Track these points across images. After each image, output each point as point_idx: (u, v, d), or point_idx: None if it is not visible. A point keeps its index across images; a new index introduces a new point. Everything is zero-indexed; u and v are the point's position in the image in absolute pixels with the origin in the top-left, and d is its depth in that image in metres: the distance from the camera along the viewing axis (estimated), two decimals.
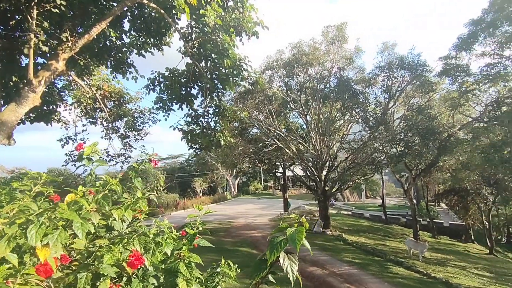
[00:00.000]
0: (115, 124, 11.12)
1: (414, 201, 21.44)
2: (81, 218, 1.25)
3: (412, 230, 20.10)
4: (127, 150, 11.29)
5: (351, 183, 21.36)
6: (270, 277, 1.08)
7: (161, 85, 8.66)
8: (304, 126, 20.86)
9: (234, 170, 34.06)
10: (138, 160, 2.51)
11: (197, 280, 1.24)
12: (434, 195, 28.43)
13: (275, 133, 19.41)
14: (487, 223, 20.39)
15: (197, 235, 2.02)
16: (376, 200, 40.93)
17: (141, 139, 11.98)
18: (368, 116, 16.46)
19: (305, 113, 19.11)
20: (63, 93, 9.35)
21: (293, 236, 0.98)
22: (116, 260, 1.57)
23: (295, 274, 0.97)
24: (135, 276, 1.63)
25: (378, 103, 17.05)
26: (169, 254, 1.69)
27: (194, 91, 8.94)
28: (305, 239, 1.03)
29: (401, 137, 16.18)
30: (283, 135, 19.47)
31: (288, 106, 19.18)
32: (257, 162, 22.06)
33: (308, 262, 12.54)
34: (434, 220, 24.11)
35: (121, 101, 10.92)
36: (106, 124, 11.31)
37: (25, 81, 6.28)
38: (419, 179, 22.34)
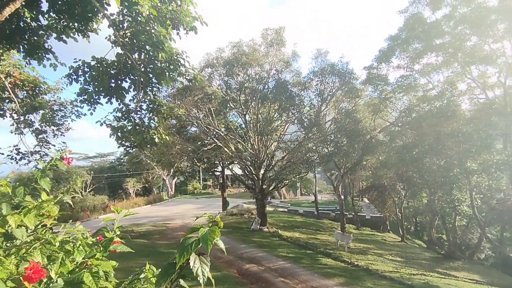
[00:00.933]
0: (28, 117, 9.70)
1: (342, 197, 23.40)
2: None
3: (340, 224, 21.91)
4: (44, 147, 9.93)
5: (287, 181, 22.37)
6: (182, 282, 1.01)
7: (86, 75, 7.81)
8: (243, 126, 21.09)
9: (171, 170, 32.71)
10: (47, 159, 2.20)
11: None
12: (359, 191, 31.53)
13: (214, 132, 19.21)
14: (400, 215, 23.35)
15: (128, 238, 1.85)
16: (310, 197, 43.54)
17: (61, 135, 10.66)
18: (303, 118, 17.40)
19: (244, 112, 19.34)
20: None
21: (205, 236, 0.94)
22: (9, 274, 1.34)
23: (205, 277, 0.93)
24: None
25: (312, 106, 18.14)
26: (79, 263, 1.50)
27: (125, 85, 8.26)
28: (219, 240, 0.99)
29: (332, 138, 17.49)
30: (222, 134, 19.39)
31: (228, 105, 19.16)
32: (196, 161, 21.57)
33: (245, 260, 12.71)
34: (358, 214, 26.70)
35: (36, 91, 9.54)
36: (16, 117, 9.79)
37: None
38: (346, 177, 24.48)
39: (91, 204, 26.59)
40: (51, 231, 1.86)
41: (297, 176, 22.77)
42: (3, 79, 8.70)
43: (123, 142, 9.43)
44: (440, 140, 15.15)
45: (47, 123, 10.12)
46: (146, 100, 8.82)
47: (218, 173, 26.28)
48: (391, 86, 17.66)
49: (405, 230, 23.59)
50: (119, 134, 8.98)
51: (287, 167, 19.05)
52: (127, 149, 10.16)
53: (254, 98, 18.38)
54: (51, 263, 1.56)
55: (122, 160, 43.46)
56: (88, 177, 32.35)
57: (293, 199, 44.80)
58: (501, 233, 18.89)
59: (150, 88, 8.61)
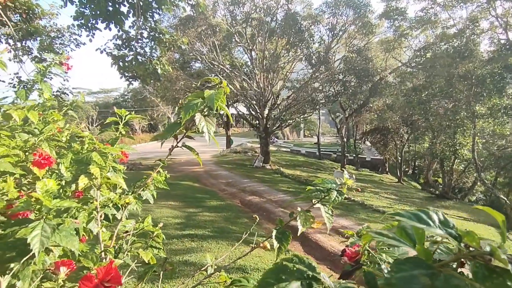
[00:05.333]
0: (25, 43, 9.35)
1: (345, 139, 23.71)
2: None
3: (340, 164, 22.60)
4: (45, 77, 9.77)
5: (291, 121, 22.40)
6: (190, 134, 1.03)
7: None
8: (249, 63, 20.34)
9: (176, 107, 32.71)
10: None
11: (112, 169, 1.15)
12: (362, 133, 31.74)
13: (219, 69, 18.62)
14: (399, 158, 23.88)
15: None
16: (312, 138, 44.19)
17: (62, 64, 10.39)
18: (311, 54, 16.64)
19: (250, 48, 18.46)
20: None
21: (211, 97, 0.92)
22: (18, 160, 1.39)
23: (211, 133, 0.94)
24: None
25: (322, 42, 17.18)
26: None
27: (124, 9, 7.76)
28: (225, 106, 0.96)
29: (340, 77, 16.96)
30: (227, 71, 18.81)
31: (233, 39, 18.20)
32: None
33: (247, 192, 13.45)
34: (359, 156, 27.32)
35: (30, 15, 9.01)
36: (13, 43, 9.43)
37: None
38: (350, 119, 24.43)
39: (99, 138, 27.29)
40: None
41: (301, 117, 22.75)
42: None
43: (125, 73, 9.21)
44: (452, 83, 14.65)
45: (46, 51, 9.79)
46: (147, 27, 8.35)
47: (222, 112, 26.27)
48: (409, 22, 16.41)
49: (402, 172, 24.35)
50: (120, 63, 8.73)
51: (291, 106, 18.89)
52: (129, 80, 9.98)
53: (261, 32, 17.33)
54: (60, 158, 1.61)
55: (126, 97, 43.29)
56: (94, 112, 32.63)
57: (296, 139, 45.53)
58: (495, 177, 19.51)
59: (151, 14, 8.09)
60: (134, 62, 8.65)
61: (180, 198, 11.70)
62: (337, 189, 1.05)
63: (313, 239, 8.51)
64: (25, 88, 1.91)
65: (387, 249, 0.80)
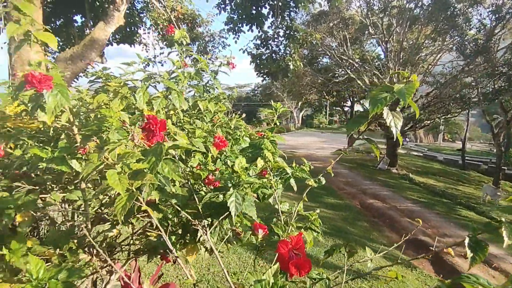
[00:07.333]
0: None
1: (502, 148, 18.74)
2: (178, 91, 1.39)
3: (493, 179, 18.12)
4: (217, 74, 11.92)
5: (428, 122, 19.40)
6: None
7: (232, 3, 8.41)
8: (382, 56, 18.70)
9: (299, 103, 33.61)
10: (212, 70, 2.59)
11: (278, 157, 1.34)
12: None
13: (347, 63, 17.91)
14: None
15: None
16: (454, 144, 37.04)
17: (212, 63, 12.32)
18: (465, 43, 13.80)
19: (386, 39, 16.87)
20: (142, 15, 9.80)
21: (401, 91, 0.92)
22: (203, 141, 1.76)
23: (398, 129, 0.95)
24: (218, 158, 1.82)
25: (481, 27, 14.00)
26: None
27: (265, 11, 8.53)
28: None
29: (503, 70, 13.48)
30: (356, 65, 17.87)
31: (366, 31, 17.07)
32: (325, 94, 21.23)
33: (368, 195, 12.62)
34: None
35: (194, 24, 11.01)
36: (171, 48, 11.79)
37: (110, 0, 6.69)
38: None
39: (236, 125, 31.22)
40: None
41: (443, 117, 19.36)
42: (169, 13, 10.36)
43: (261, 70, 10.10)
44: None
45: (201, 53, 11.81)
46: (283, 26, 8.87)
47: (347, 108, 25.29)
48: None
49: None
50: (257, 61, 9.61)
51: (431, 105, 16.33)
52: (263, 76, 10.87)
53: (401, 21, 15.56)
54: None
55: (256, 91, 47.35)
56: (230, 105, 37.27)
57: (431, 143, 39.22)
58: None
59: (288, 13, 8.55)
60: (269, 60, 9.36)
61: (298, 190, 12.08)
62: None
63: (449, 261, 7.28)
64: (202, 85, 2.39)
65: None
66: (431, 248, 1.15)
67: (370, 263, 1.05)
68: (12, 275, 1.07)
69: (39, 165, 1.18)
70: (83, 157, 1.18)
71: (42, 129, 1.53)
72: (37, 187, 1.31)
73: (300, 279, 1.02)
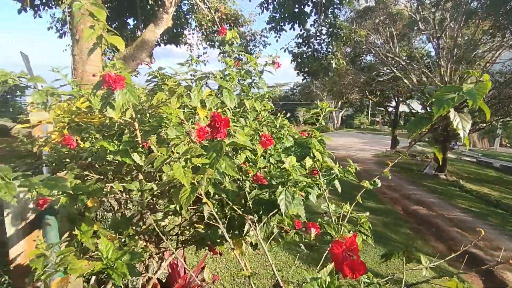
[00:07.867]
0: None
1: None
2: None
3: None
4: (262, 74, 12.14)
5: (484, 125, 17.73)
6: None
7: (275, 2, 8.42)
8: (432, 53, 17.43)
9: (340, 102, 32.63)
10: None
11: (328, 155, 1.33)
12: None
13: (393, 61, 16.98)
14: None
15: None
16: None
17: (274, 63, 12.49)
18: None
19: (438, 35, 15.69)
20: (188, 16, 10.21)
21: (472, 91, 0.87)
22: (250, 139, 1.80)
23: (466, 132, 0.90)
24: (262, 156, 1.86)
25: None
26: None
27: (307, 9, 8.41)
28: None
29: None
30: (403, 63, 16.88)
31: (416, 27, 16.03)
32: (367, 94, 20.38)
33: (412, 201, 11.93)
34: None
35: (236, 24, 11.22)
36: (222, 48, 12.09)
37: (159, 2, 7.07)
38: None
39: (280, 124, 31.33)
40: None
41: (501, 120, 17.55)
42: (213, 13, 10.66)
43: (302, 69, 9.98)
44: None
45: (242, 52, 11.99)
46: (326, 23, 8.69)
47: (391, 109, 24.02)
48: None
49: None
50: (298, 60, 9.53)
51: (488, 106, 14.86)
52: (304, 75, 10.74)
53: (456, 15, 14.36)
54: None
55: (295, 90, 46.91)
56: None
57: (486, 149, 35.78)
58: None
59: (331, 10, 8.35)
60: (310, 59, 9.23)
61: (336, 191, 11.75)
62: None
63: (499, 275, 6.64)
64: (248, 84, 2.44)
65: None
66: (484, 261, 1.07)
67: (425, 271, 1.00)
68: (82, 253, 1.20)
69: (106, 157, 1.31)
70: (143, 151, 1.29)
71: (105, 124, 1.68)
72: (102, 177, 1.45)
73: (347, 281, 1.01)
